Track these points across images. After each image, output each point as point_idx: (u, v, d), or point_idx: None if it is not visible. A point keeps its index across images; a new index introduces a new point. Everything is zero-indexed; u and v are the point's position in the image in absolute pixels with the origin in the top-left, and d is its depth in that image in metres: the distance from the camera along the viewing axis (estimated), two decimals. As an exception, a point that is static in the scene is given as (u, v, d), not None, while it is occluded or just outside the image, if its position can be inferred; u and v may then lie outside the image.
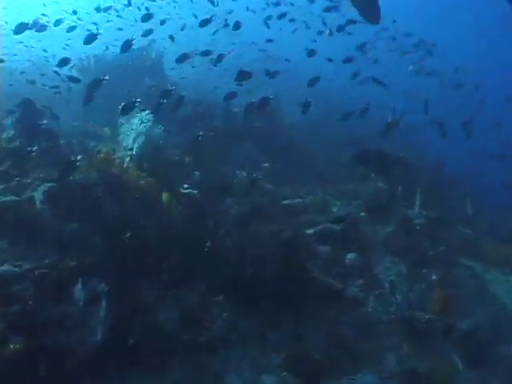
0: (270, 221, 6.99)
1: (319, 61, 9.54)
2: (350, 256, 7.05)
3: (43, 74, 10.69)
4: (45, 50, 14.28)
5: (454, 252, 8.38)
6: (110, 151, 6.86)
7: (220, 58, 7.74)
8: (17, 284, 4.61)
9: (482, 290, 7.63)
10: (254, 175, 8.00)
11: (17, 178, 6.13)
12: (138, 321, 4.92)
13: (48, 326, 4.44)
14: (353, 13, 7.96)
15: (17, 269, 4.74)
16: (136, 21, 12.51)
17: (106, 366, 4.49)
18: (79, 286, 4.77)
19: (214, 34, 12.53)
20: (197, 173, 7.88)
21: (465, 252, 8.57)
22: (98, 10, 11.11)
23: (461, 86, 16.77)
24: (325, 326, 5.81)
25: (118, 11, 16.02)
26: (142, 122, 7.99)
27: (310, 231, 7.24)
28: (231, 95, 7.66)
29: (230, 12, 14.02)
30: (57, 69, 8.71)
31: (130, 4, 10.56)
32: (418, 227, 8.23)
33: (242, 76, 7.12)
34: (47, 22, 8.97)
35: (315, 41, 12.90)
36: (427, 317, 6.28)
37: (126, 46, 7.39)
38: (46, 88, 9.71)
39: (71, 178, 5.93)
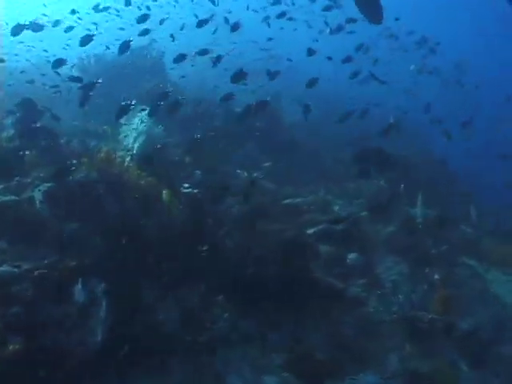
0: (272, 220, 6.96)
1: (320, 60, 9.51)
2: (352, 255, 7.03)
3: (43, 74, 10.68)
4: (45, 50, 14.28)
5: (456, 251, 8.35)
6: (111, 150, 6.85)
7: (219, 58, 7.70)
8: (16, 284, 4.58)
9: (484, 290, 7.61)
10: (255, 175, 7.97)
11: (17, 178, 6.11)
12: (138, 321, 4.90)
13: (48, 326, 4.42)
14: (354, 11, 7.92)
15: (16, 269, 4.72)
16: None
17: (106, 367, 4.48)
18: (79, 286, 4.75)
19: (214, 32, 12.51)
20: (197, 172, 7.86)
21: (466, 251, 8.55)
22: (96, 9, 11.04)
23: (461, 85, 16.70)
24: (326, 326, 5.78)
25: (118, 11, 15.98)
26: (142, 122, 7.98)
27: (311, 231, 7.21)
28: (228, 96, 7.58)
29: (230, 12, 14.01)
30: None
31: (129, 3, 10.50)
32: (420, 226, 8.20)
33: (238, 77, 7.08)
34: (47, 22, 8.95)
35: (317, 40, 12.87)
36: (430, 317, 6.26)
37: (124, 47, 7.38)
38: (46, 88, 9.70)
39: (71, 177, 5.91)
